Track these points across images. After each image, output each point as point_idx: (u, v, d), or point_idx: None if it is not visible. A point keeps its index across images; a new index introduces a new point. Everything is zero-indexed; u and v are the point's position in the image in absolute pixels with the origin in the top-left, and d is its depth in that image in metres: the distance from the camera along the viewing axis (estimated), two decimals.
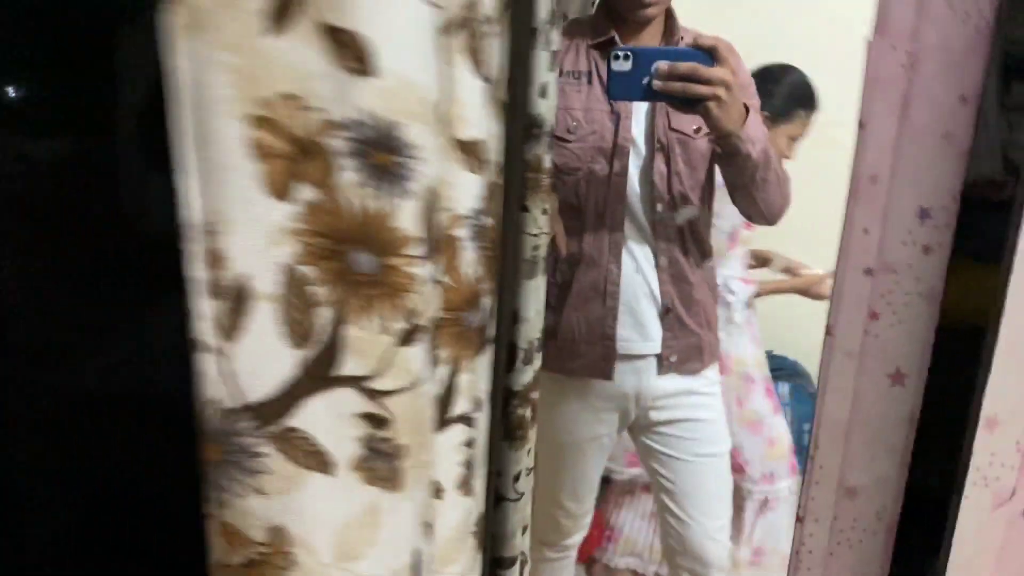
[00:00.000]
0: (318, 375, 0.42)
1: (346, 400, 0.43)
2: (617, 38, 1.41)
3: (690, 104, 1.18)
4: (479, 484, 0.60)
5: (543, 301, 1.15)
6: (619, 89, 1.20)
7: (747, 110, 1.24)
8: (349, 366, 0.43)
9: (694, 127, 1.41)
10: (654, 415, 1.55)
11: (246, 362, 0.41)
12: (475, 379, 0.54)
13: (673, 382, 1.52)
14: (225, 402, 0.40)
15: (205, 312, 0.39)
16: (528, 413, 1.11)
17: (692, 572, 1.62)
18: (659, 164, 1.42)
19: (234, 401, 0.41)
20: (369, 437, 0.44)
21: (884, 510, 0.84)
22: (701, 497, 1.59)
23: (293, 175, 0.40)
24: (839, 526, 0.85)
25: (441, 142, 0.45)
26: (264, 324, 0.40)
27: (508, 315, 1.03)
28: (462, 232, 0.51)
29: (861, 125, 0.77)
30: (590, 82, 1.43)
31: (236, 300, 0.40)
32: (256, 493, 0.42)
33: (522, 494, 1.11)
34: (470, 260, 0.52)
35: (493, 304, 0.63)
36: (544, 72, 1.02)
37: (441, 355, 0.51)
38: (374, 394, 0.44)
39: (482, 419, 0.61)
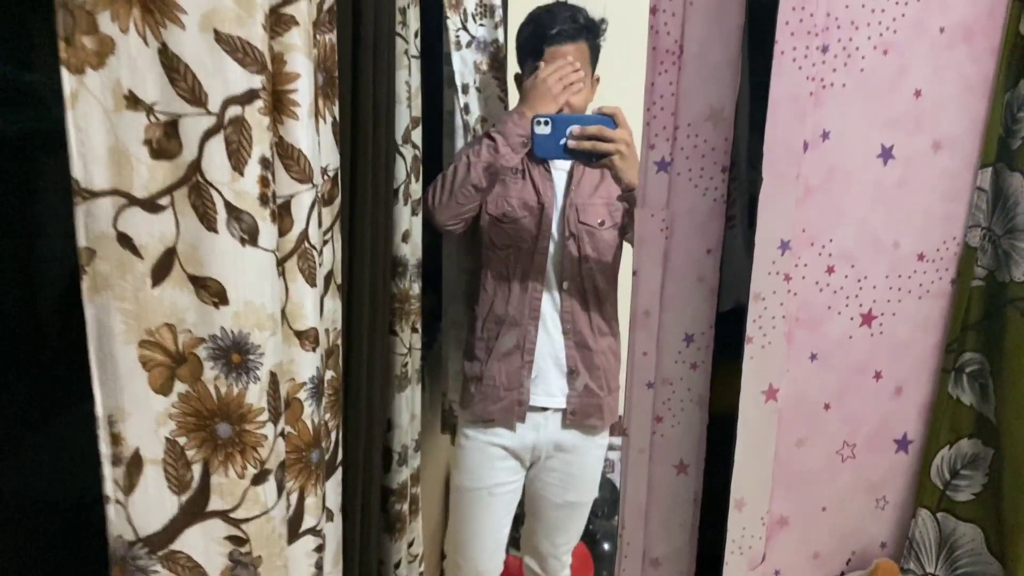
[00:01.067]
0: (193, 512, 0.61)
1: (214, 528, 0.62)
2: None
3: (597, 159, 1.48)
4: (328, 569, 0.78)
5: (417, 407, 1.34)
6: (541, 148, 1.48)
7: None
8: (215, 503, 0.61)
9: (599, 221, 1.73)
10: (546, 464, 1.87)
11: (140, 507, 0.59)
12: (319, 501, 0.73)
13: (571, 436, 1.83)
14: (125, 536, 0.58)
15: (108, 476, 0.58)
16: (405, 508, 1.29)
17: (533, 572, 2.06)
18: (571, 249, 1.72)
19: (132, 536, 0.59)
20: (233, 552, 0.62)
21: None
22: (558, 530, 1.96)
23: (171, 377, 0.59)
24: None
25: (279, 337, 0.65)
26: (152, 480, 0.59)
27: (382, 424, 1.21)
28: (303, 394, 0.70)
29: (635, 273, 1.00)
30: (524, 177, 1.75)
31: (131, 465, 0.58)
32: None
33: None
34: (310, 413, 0.71)
35: (338, 435, 0.82)
36: (406, 221, 1.24)
37: (289, 485, 0.69)
38: (234, 521, 0.62)
39: (331, 528, 0.79)
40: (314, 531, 0.73)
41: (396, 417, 1.23)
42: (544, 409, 1.80)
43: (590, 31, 1.72)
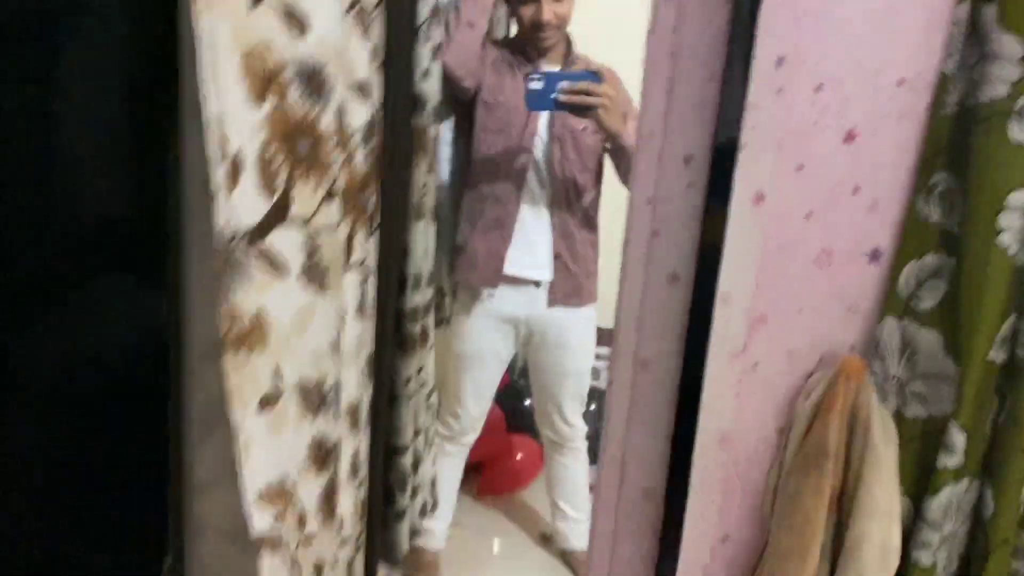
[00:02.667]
0: (279, 215, 0.71)
1: (295, 233, 0.72)
2: (529, 54, 1.98)
3: (585, 111, 1.70)
4: (368, 314, 0.89)
5: (430, 242, 1.44)
6: (534, 102, 1.70)
7: (625, 117, 1.77)
8: (295, 210, 0.71)
9: (581, 127, 1.95)
10: (538, 338, 2.14)
11: (238, 205, 0.68)
12: (365, 240, 0.83)
13: (556, 312, 2.09)
14: (227, 230, 0.68)
15: (215, 172, 0.67)
16: (417, 330, 1.40)
17: (551, 440, 2.34)
18: (556, 150, 1.96)
19: (231, 229, 0.68)
20: (308, 256, 0.72)
21: (669, 377, 1.17)
22: (564, 397, 2.23)
23: (266, 91, 0.68)
24: (638, 390, 1.17)
25: (342, 80, 0.74)
26: (249, 181, 0.68)
27: (399, 250, 1.32)
28: (355, 141, 0.80)
29: (643, 95, 1.10)
30: (512, 71, 1.98)
31: (233, 164, 0.68)
32: (249, 289, 0.69)
33: (411, 395, 1.39)
34: (361, 160, 0.81)
35: (378, 200, 0.92)
36: (427, 60, 1.32)
37: (347, 218, 0.79)
38: (310, 229, 0.72)
39: (372, 281, 0.89)
40: (362, 265, 0.83)
41: (412, 244, 1.33)
42: (532, 283, 2.06)
43: None
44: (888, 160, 1.04)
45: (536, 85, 1.67)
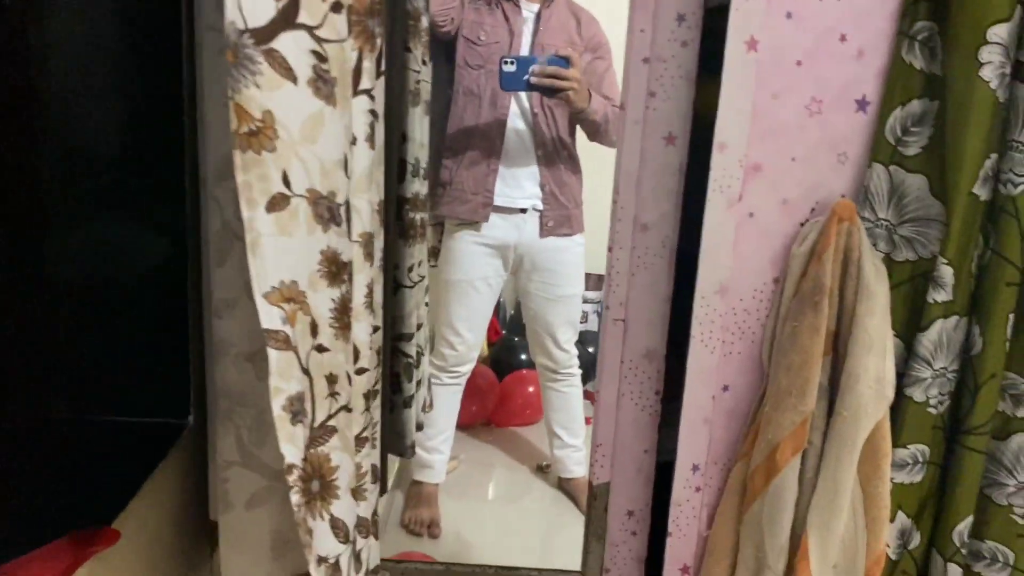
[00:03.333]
0: (287, 20, 0.73)
1: (303, 39, 0.74)
2: None
3: (554, 92, 1.88)
4: (378, 143, 0.91)
5: (425, 131, 1.47)
6: (507, 83, 1.86)
7: (589, 95, 1.95)
8: (302, 17, 0.74)
9: (563, 54, 1.97)
10: (528, 264, 2.19)
11: (245, 5, 0.71)
12: (373, 73, 0.86)
13: (549, 241, 2.16)
14: (237, 24, 0.70)
15: None
16: (418, 217, 1.43)
17: (547, 368, 2.38)
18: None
19: (242, 24, 0.71)
20: (316, 66, 0.75)
21: (667, 239, 1.20)
22: (558, 323, 2.28)
23: None
24: (637, 253, 1.21)
25: None
26: None
27: (397, 136, 1.34)
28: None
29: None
30: (494, 8, 2.07)
31: None
32: (255, 87, 0.72)
33: (415, 283, 1.42)
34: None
35: (383, 38, 0.94)
36: None
37: (355, 39, 0.82)
38: (319, 40, 0.75)
39: (376, 121, 0.92)
40: (369, 94, 0.86)
41: (410, 131, 1.35)
42: (519, 211, 2.12)
43: None
44: (873, 8, 1.07)
45: (510, 68, 1.84)
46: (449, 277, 2.19)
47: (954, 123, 1.05)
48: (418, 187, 1.39)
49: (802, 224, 1.12)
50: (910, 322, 1.12)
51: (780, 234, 1.12)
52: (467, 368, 2.32)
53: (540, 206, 2.13)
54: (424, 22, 1.37)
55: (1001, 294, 1.07)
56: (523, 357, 2.99)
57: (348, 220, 0.81)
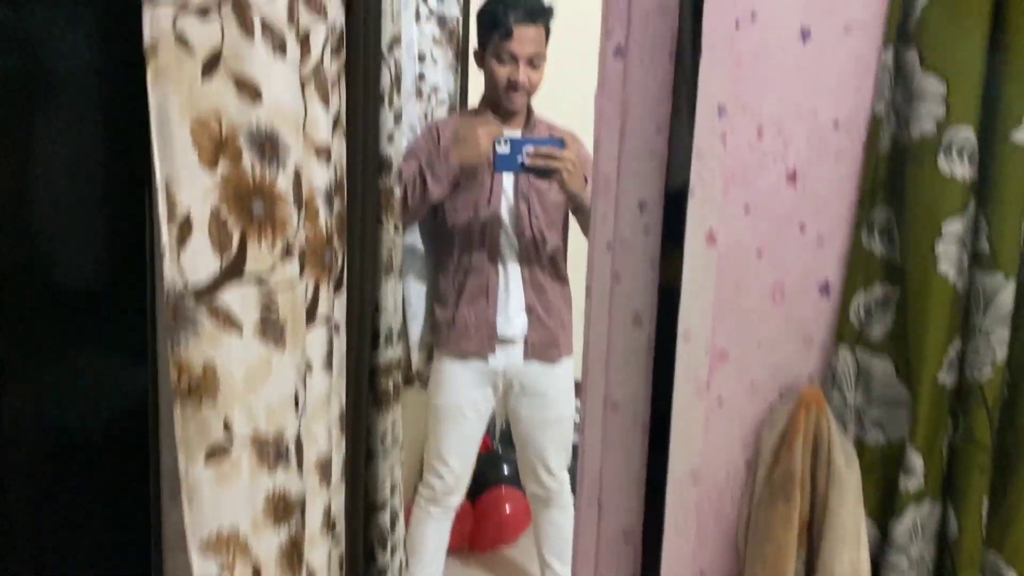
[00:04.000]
0: (232, 272, 0.74)
1: (250, 290, 0.75)
2: (494, 117, 2.10)
3: (548, 174, 1.85)
4: (336, 368, 0.91)
5: (400, 298, 1.48)
6: (501, 165, 1.85)
7: (585, 179, 1.92)
8: (251, 266, 0.75)
9: (546, 184, 2.05)
10: (517, 387, 2.18)
11: (189, 262, 0.72)
12: (329, 296, 0.86)
13: (534, 365, 2.14)
14: (177, 286, 0.71)
15: (164, 231, 0.71)
16: (390, 386, 1.43)
17: (538, 496, 2.33)
18: (522, 207, 2.06)
19: (181, 285, 0.72)
20: (264, 311, 0.76)
21: (639, 416, 1.20)
22: (548, 448, 2.24)
23: (218, 156, 0.73)
24: (608, 432, 1.20)
25: (302, 143, 0.78)
26: (199, 239, 0.72)
27: (370, 306, 1.35)
28: (319, 200, 0.84)
29: (596, 147, 1.15)
30: None
31: (183, 225, 0.71)
32: (198, 344, 0.72)
33: (387, 449, 1.41)
34: (324, 218, 0.85)
35: (344, 261, 0.95)
36: (391, 125, 1.38)
37: (307, 274, 0.83)
38: (266, 287, 0.76)
39: (339, 340, 0.93)
40: (327, 321, 0.86)
41: (383, 300, 1.36)
42: (509, 341, 2.12)
43: (547, 15, 2.06)
44: (830, 197, 1.09)
45: (503, 149, 1.81)
46: (438, 402, 2.18)
47: (914, 313, 1.05)
48: (391, 354, 1.39)
49: (772, 407, 1.11)
50: (884, 507, 1.10)
51: (750, 417, 1.12)
52: (456, 499, 2.28)
53: (525, 331, 2.13)
54: (396, 195, 1.39)
55: (974, 479, 1.06)
56: (506, 471, 2.90)
57: (300, 453, 0.80)
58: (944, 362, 1.05)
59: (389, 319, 1.39)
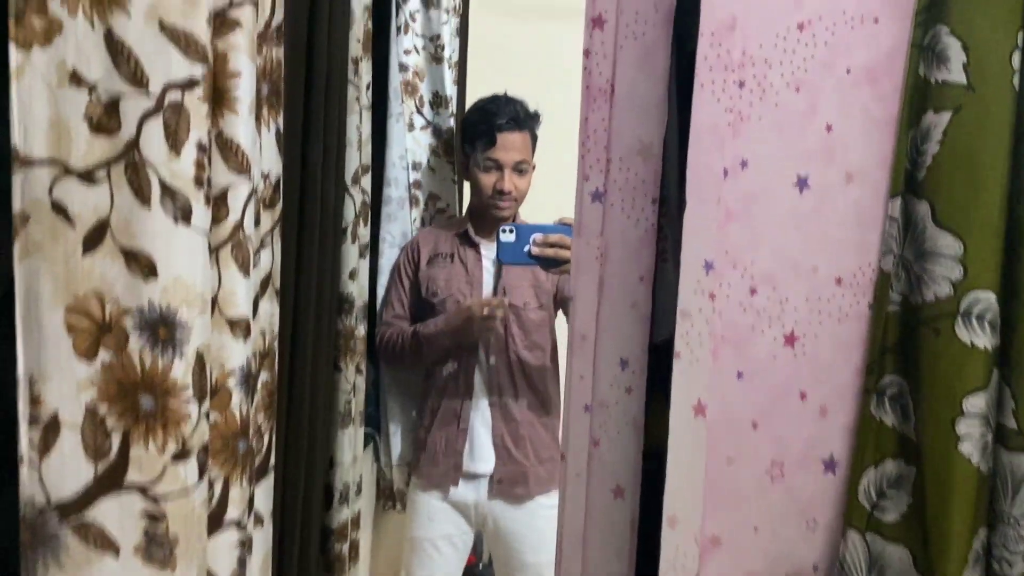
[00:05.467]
0: (109, 482, 0.61)
1: (131, 501, 0.62)
2: (471, 230, 1.97)
3: (557, 265, 1.62)
4: (258, 568, 0.77)
5: (359, 448, 1.34)
6: (506, 255, 1.62)
7: None
8: (133, 476, 0.62)
9: (523, 303, 1.92)
10: (492, 525, 1.96)
11: (54, 472, 0.59)
12: (244, 494, 0.73)
13: (500, 504, 1.93)
14: (37, 500, 0.59)
15: (24, 435, 0.58)
16: (345, 549, 1.27)
17: None
18: (497, 327, 1.87)
19: (43, 500, 0.59)
20: (148, 528, 0.62)
21: None
22: None
23: (96, 344, 0.61)
24: None
25: (208, 318, 0.67)
26: (68, 444, 0.59)
27: (323, 461, 1.21)
28: (231, 382, 0.72)
29: (571, 299, 1.03)
30: (452, 261, 1.95)
31: (48, 428, 0.59)
32: (59, 570, 0.59)
33: None
34: (238, 403, 0.72)
35: (271, 439, 0.82)
36: (353, 260, 1.27)
37: (213, 473, 0.70)
38: (152, 497, 0.63)
39: (260, 533, 0.79)
40: (238, 524, 0.73)
41: (338, 454, 1.23)
42: (477, 476, 1.94)
43: (532, 121, 1.98)
44: (834, 362, 0.97)
45: (508, 238, 1.62)
46: (411, 534, 2.00)
47: (934, 500, 0.91)
48: (346, 516, 1.25)
49: None
50: None
51: None
52: None
53: (491, 466, 1.93)
54: (359, 334, 1.28)
55: None
56: None
57: None
58: (969, 557, 0.90)
59: (345, 474, 1.25)
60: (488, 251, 1.97)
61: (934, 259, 0.91)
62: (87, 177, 0.60)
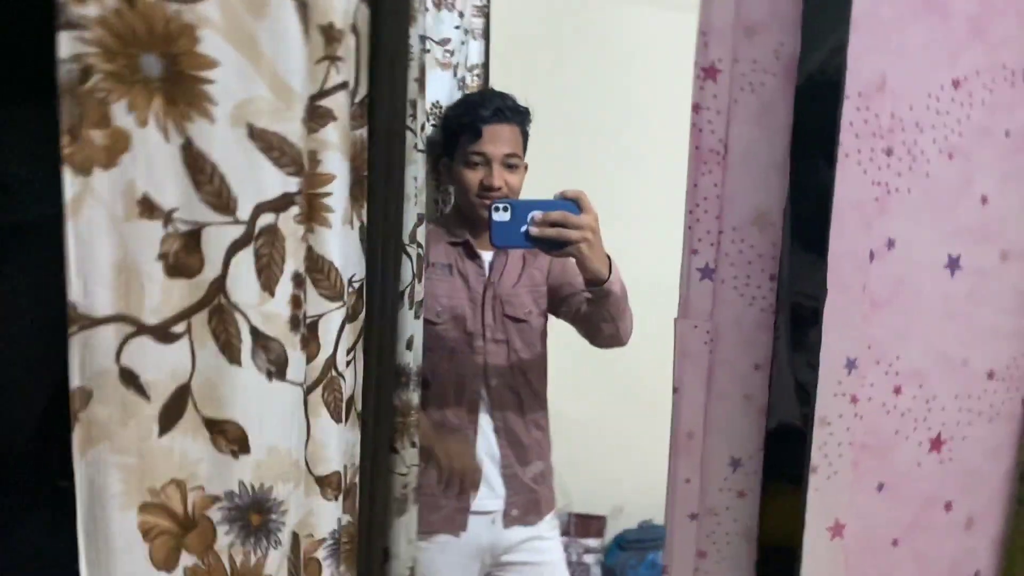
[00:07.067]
0: None
1: None
2: (471, 240, 1.67)
3: (560, 247, 1.33)
4: None
5: (414, 533, 1.21)
6: (500, 237, 1.33)
7: (609, 259, 1.42)
8: None
9: (525, 311, 1.68)
10: (504, 558, 1.73)
11: None
12: None
13: (517, 532, 1.71)
14: None
15: None
16: None
17: None
18: (499, 345, 1.66)
19: None
20: None
21: None
22: None
23: (178, 548, 0.47)
24: None
25: (303, 488, 0.53)
26: None
27: (378, 553, 1.08)
28: (322, 553, 0.58)
29: (675, 390, 0.90)
30: (451, 274, 1.68)
31: None
32: None
33: None
34: (329, 573, 0.59)
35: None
36: (410, 326, 1.13)
37: None
38: None
39: None
40: None
41: (394, 546, 1.10)
42: (487, 512, 1.69)
43: (522, 115, 1.71)
44: (983, 469, 0.84)
45: (502, 216, 1.34)
46: None
47: None
48: None
49: None
50: None
51: None
52: None
53: (504, 497, 1.70)
54: (413, 407, 1.14)
55: None
56: None
57: None
58: None
59: (401, 567, 1.12)
60: (483, 259, 1.71)
61: None
62: (163, 334, 0.47)
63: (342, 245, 0.57)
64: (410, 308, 1.11)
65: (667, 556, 0.91)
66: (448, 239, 1.71)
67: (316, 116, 0.54)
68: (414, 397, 1.16)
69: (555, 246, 1.34)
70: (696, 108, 0.88)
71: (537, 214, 1.32)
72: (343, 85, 0.56)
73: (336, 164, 0.55)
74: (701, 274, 0.89)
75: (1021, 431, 0.86)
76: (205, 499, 0.48)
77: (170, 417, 0.47)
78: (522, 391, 1.71)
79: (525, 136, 1.73)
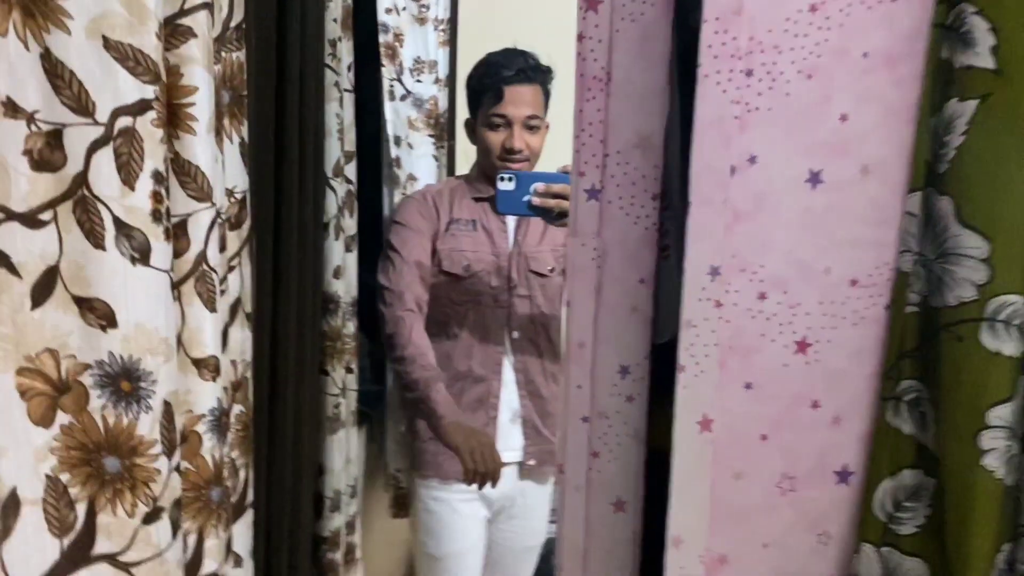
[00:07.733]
0: (77, 556, 0.56)
1: (101, 573, 0.57)
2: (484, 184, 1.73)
3: (561, 218, 1.46)
4: None
5: (353, 450, 1.29)
6: (504, 205, 1.47)
7: None
8: (102, 546, 0.56)
9: (548, 268, 1.75)
10: (508, 514, 1.82)
11: (18, 554, 0.53)
12: (221, 544, 0.68)
13: (527, 486, 1.80)
14: None
15: None
16: (339, 556, 1.23)
17: None
18: (522, 299, 1.73)
19: None
20: None
21: None
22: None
23: (53, 407, 0.55)
24: None
25: (174, 364, 0.60)
26: (31, 522, 0.54)
27: (311, 468, 1.16)
28: (202, 427, 0.66)
29: (568, 304, 0.97)
30: (475, 229, 1.74)
31: (7, 507, 0.53)
32: None
33: None
34: (210, 448, 0.66)
35: (248, 474, 0.77)
36: (338, 256, 1.20)
37: (187, 526, 0.65)
38: (124, 565, 0.57)
39: (239, 574, 0.74)
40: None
41: (328, 461, 1.18)
42: (506, 464, 1.70)
43: (544, 74, 1.75)
44: (848, 369, 0.91)
45: (507, 186, 1.47)
46: (433, 552, 1.74)
47: (955, 513, 0.87)
48: (338, 523, 1.21)
49: None
50: None
51: None
52: None
53: (522, 449, 1.78)
54: (347, 335, 1.22)
55: None
56: None
57: None
58: (992, 572, 0.86)
59: (336, 481, 1.20)
60: (508, 217, 1.77)
61: (957, 259, 0.86)
62: (31, 220, 0.54)
63: (210, 153, 0.64)
64: (337, 239, 1.18)
65: (561, 456, 0.99)
66: (473, 195, 1.78)
67: (175, 33, 0.61)
68: (347, 325, 1.24)
69: (555, 216, 1.49)
70: (580, 37, 0.94)
71: (540, 186, 1.46)
72: (205, 5, 0.62)
73: (198, 77, 0.62)
74: (588, 195, 0.95)
75: (884, 335, 0.92)
76: (77, 365, 0.55)
77: (41, 293, 0.54)
78: (542, 345, 1.78)
79: (547, 95, 1.77)
